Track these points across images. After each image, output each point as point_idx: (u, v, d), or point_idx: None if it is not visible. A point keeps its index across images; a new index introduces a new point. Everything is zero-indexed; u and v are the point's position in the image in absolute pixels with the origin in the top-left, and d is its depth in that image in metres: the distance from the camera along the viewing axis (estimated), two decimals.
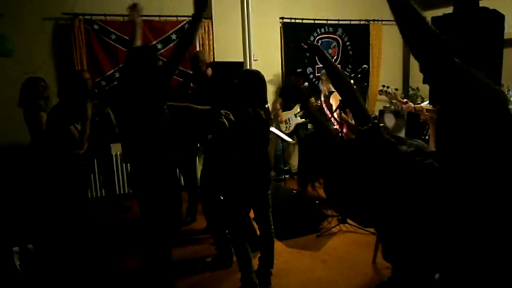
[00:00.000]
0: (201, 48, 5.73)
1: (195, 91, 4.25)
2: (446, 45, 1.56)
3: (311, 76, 6.55)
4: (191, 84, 4.36)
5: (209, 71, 4.15)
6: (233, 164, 2.99)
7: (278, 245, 3.95)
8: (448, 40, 1.67)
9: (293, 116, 5.94)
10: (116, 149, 5.20)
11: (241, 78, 2.97)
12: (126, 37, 5.35)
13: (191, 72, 4.56)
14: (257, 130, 2.93)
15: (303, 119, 6.00)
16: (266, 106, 4.91)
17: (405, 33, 1.64)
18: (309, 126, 6.32)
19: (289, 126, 5.97)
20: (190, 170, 4.67)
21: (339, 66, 6.55)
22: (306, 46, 2.25)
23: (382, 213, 1.79)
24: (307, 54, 2.25)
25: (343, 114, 4.46)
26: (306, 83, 5.85)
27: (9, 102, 4.89)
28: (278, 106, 6.20)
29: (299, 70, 6.03)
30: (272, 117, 5.56)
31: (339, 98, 4.65)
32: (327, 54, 2.24)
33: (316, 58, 2.27)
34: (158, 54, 5.43)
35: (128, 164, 3.28)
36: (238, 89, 2.95)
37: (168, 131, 2.71)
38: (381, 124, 1.89)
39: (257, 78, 2.96)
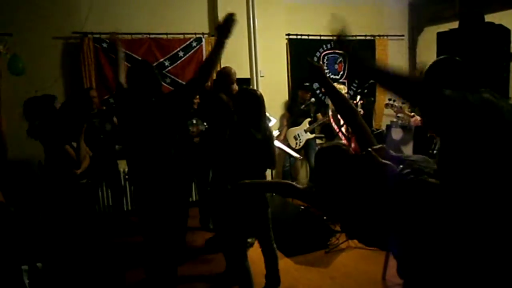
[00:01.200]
0: None
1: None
2: (436, 90, 1.57)
3: (318, 91, 6.57)
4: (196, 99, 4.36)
5: (235, 87, 4.11)
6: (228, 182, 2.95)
7: (286, 262, 3.92)
8: (440, 77, 1.80)
9: (303, 132, 5.94)
10: (124, 165, 5.21)
11: (238, 97, 2.95)
12: (134, 55, 5.43)
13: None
14: (251, 150, 2.87)
15: (313, 135, 6.00)
16: (273, 121, 4.94)
17: (400, 95, 1.74)
18: (318, 141, 6.32)
19: (300, 142, 5.96)
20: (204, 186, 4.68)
21: (345, 81, 6.66)
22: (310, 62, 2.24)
23: (383, 233, 1.81)
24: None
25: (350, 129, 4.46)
26: (313, 99, 5.88)
27: (20, 119, 4.97)
28: (284, 122, 6.21)
29: (306, 84, 6.05)
30: (279, 132, 5.59)
31: None
32: (329, 79, 2.23)
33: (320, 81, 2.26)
34: (165, 71, 5.54)
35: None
36: (235, 108, 2.92)
37: (179, 150, 2.74)
38: (380, 146, 1.92)
39: (254, 98, 2.92)
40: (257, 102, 2.91)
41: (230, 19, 2.57)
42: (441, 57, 1.98)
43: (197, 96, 4.33)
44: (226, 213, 2.96)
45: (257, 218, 3.02)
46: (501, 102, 1.71)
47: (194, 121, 4.44)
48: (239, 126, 2.88)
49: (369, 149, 1.81)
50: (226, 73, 4.00)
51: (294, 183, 2.23)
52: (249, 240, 4.12)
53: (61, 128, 3.64)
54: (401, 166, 1.81)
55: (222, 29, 2.60)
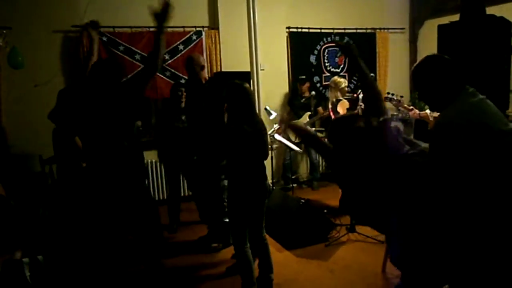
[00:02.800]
0: (208, 58, 5.78)
1: (188, 94, 4.32)
2: None
3: (318, 84, 6.56)
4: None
5: (204, 74, 4.17)
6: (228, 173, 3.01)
7: (286, 255, 3.94)
8: None
9: (302, 125, 5.93)
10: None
11: (227, 91, 2.96)
12: (134, 48, 5.42)
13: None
14: (242, 143, 2.88)
15: (313, 128, 5.98)
16: (274, 115, 4.93)
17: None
18: (319, 135, 6.31)
19: None
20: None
21: (346, 74, 6.63)
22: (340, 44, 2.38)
23: (384, 208, 1.94)
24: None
25: None
26: (314, 92, 5.87)
27: (20, 113, 4.97)
28: (285, 115, 6.20)
29: (302, 77, 6.05)
30: (277, 126, 5.58)
31: (346, 106, 4.66)
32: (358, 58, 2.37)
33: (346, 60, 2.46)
34: (165, 64, 5.51)
35: None
36: (225, 101, 2.95)
37: (134, 145, 2.82)
38: (393, 125, 2.02)
39: (242, 91, 2.93)
40: (245, 94, 2.91)
41: (166, 5, 2.73)
42: (429, 55, 2.02)
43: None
44: (224, 202, 3.01)
45: (253, 206, 3.03)
46: (488, 115, 1.80)
47: (183, 118, 4.43)
48: (229, 120, 2.90)
49: (384, 118, 1.99)
50: (190, 60, 4.12)
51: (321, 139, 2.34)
52: (214, 244, 4.14)
53: (72, 119, 3.65)
54: (409, 146, 1.92)
55: (160, 15, 2.75)
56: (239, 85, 2.95)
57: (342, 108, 4.62)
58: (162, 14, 2.73)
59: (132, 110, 2.87)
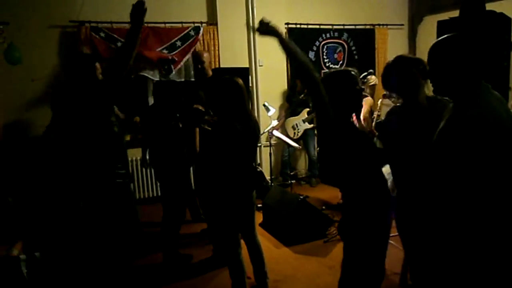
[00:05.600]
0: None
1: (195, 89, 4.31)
2: None
3: None
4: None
5: (208, 70, 4.12)
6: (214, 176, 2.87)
7: (284, 251, 3.94)
8: None
9: (301, 122, 5.92)
10: (132, 154, 5.18)
11: (218, 87, 2.84)
12: None
13: None
14: (231, 141, 2.75)
15: (312, 125, 5.98)
16: (272, 111, 4.91)
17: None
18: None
19: (298, 132, 5.96)
20: (184, 178, 4.65)
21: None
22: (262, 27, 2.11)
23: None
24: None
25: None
26: None
27: (17, 108, 4.96)
28: (283, 112, 6.19)
29: None
30: (278, 121, 5.58)
31: (371, 103, 4.56)
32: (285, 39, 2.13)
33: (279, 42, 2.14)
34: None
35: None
36: (216, 97, 2.83)
37: (113, 143, 2.77)
38: None
39: (235, 86, 2.78)
40: (236, 89, 2.76)
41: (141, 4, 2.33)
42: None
43: None
44: (213, 209, 3.00)
45: (242, 216, 2.95)
46: (499, 109, 1.71)
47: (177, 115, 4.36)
48: (219, 117, 2.81)
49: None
50: (195, 56, 4.17)
51: None
52: None
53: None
54: None
55: (134, 14, 2.36)
56: (229, 79, 2.80)
57: (367, 106, 4.41)
58: (136, 13, 2.34)
59: (106, 110, 2.77)
